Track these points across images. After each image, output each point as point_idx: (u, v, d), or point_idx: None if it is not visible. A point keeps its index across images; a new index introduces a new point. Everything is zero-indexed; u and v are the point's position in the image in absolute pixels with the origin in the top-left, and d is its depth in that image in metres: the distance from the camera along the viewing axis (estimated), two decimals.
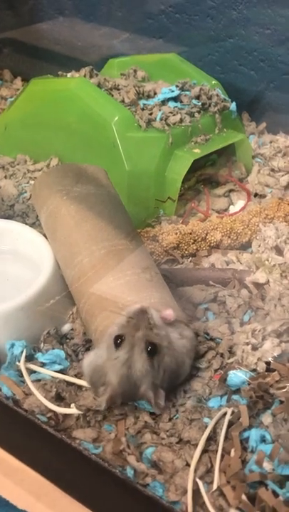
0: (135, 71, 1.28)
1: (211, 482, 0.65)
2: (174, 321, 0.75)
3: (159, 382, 0.71)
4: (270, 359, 0.74)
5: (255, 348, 0.76)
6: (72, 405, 0.72)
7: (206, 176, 1.21)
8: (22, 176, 1.16)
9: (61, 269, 0.84)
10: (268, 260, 0.88)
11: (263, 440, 0.66)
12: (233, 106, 1.18)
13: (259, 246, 0.93)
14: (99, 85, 1.17)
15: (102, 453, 0.69)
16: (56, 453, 0.72)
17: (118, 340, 0.69)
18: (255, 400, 0.70)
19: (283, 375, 0.73)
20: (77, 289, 0.80)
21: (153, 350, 0.70)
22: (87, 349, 0.82)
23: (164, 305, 0.74)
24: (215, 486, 0.64)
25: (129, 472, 0.67)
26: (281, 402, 0.71)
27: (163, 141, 1.06)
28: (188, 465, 0.67)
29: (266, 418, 0.69)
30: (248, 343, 0.76)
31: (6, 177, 1.16)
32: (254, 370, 0.75)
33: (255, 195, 1.19)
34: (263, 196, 1.18)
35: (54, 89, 1.14)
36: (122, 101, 1.12)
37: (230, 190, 1.19)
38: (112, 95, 1.15)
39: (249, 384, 0.73)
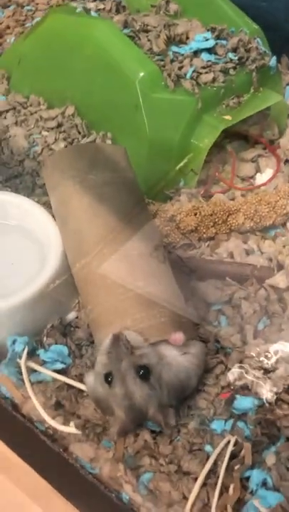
0: (167, 2, 1.13)
1: None
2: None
3: (165, 400, 0.68)
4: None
5: (266, 373, 0.72)
6: (72, 424, 0.70)
7: (234, 131, 1.11)
8: (34, 123, 1.06)
9: (69, 261, 0.78)
10: None
11: (264, 484, 0.65)
12: (273, 61, 1.06)
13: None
14: (126, 24, 1.04)
15: (98, 474, 0.68)
16: (53, 462, 0.71)
17: (108, 379, 0.67)
18: (260, 439, 0.67)
19: None
20: (84, 292, 0.75)
21: (145, 372, 0.67)
22: (92, 343, 0.79)
23: (173, 325, 0.70)
24: None
25: (125, 498, 0.66)
26: (287, 439, 0.68)
27: (191, 106, 0.95)
28: (185, 498, 0.66)
29: (270, 458, 0.66)
30: (260, 368, 0.72)
31: (16, 123, 1.07)
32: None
33: (286, 161, 1.10)
34: None
35: (75, 33, 1.01)
36: (150, 49, 1.00)
37: (259, 156, 1.09)
38: (140, 39, 1.02)
39: (256, 413, 0.70)
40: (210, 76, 0.98)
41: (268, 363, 0.73)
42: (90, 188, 0.76)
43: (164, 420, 0.68)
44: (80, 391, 0.75)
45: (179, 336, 0.69)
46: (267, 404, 0.71)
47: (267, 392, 0.71)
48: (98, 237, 0.74)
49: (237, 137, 1.13)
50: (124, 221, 0.75)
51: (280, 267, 0.86)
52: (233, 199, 1.01)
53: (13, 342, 0.77)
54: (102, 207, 0.75)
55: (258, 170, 1.08)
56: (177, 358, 0.69)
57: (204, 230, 0.93)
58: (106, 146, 0.83)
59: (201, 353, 0.73)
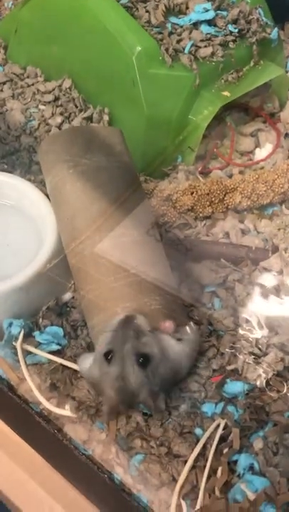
0: None
1: (195, 499, 0.67)
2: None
3: (157, 388, 0.70)
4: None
5: (256, 358, 0.74)
6: (66, 407, 0.72)
7: (234, 103, 1.09)
8: (31, 96, 1.05)
9: (63, 245, 0.79)
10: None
11: (251, 468, 0.67)
12: (274, 33, 1.03)
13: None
14: None
15: (91, 455, 0.70)
16: (48, 442, 0.73)
17: (108, 356, 0.67)
18: (248, 425, 0.69)
19: (281, 395, 0.71)
20: (77, 277, 0.75)
21: (145, 360, 0.68)
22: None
23: (164, 313, 0.71)
24: (198, 507, 0.66)
25: (116, 479, 0.69)
26: (275, 424, 0.70)
27: (189, 82, 0.94)
28: (174, 480, 0.68)
29: (258, 442, 0.68)
30: (250, 353, 0.74)
31: (13, 96, 1.06)
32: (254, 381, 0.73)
33: (286, 135, 1.08)
34: None
35: (71, 4, 0.98)
36: (148, 21, 0.97)
37: (259, 130, 1.08)
38: (138, 9, 0.99)
39: (247, 395, 0.72)
40: (209, 50, 0.96)
41: (259, 348, 0.74)
42: (84, 173, 0.76)
43: (154, 405, 0.69)
44: (75, 372, 0.77)
45: (168, 324, 0.70)
46: (257, 389, 0.72)
47: (257, 376, 0.72)
48: (91, 224, 0.74)
49: (237, 109, 1.12)
50: (118, 207, 0.75)
51: (276, 248, 0.86)
52: (231, 176, 1.01)
53: (10, 325, 0.78)
54: (95, 192, 0.75)
55: (257, 145, 1.07)
56: (174, 348, 0.70)
57: (201, 209, 0.92)
58: (101, 129, 0.82)
59: (194, 340, 0.74)
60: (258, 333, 0.77)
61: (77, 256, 0.74)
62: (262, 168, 1.02)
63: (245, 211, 0.96)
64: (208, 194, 0.92)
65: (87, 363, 0.71)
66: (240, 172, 1.01)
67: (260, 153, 1.06)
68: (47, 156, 0.80)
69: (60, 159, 0.77)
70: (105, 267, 0.72)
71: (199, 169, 1.00)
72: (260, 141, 1.07)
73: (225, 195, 0.93)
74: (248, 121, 1.10)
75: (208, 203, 0.92)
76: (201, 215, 0.93)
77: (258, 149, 1.06)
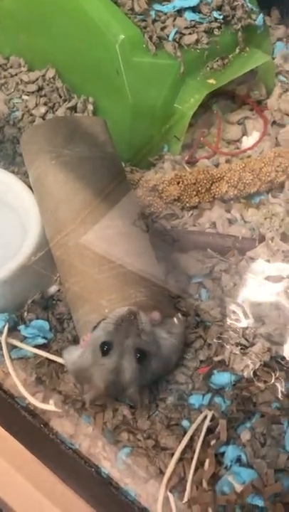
0: None
1: (183, 491, 0.66)
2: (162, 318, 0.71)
3: (145, 383, 0.69)
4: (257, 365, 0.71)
5: (243, 349, 0.73)
6: (51, 402, 0.71)
7: (220, 91, 1.08)
8: (14, 87, 1.03)
9: (47, 237, 0.78)
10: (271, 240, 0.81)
11: (238, 460, 0.66)
12: (260, 19, 1.02)
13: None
14: None
15: (78, 449, 0.70)
16: (35, 436, 0.73)
17: (104, 347, 0.66)
18: (236, 416, 0.68)
19: (268, 386, 0.71)
20: (61, 270, 0.75)
21: (142, 357, 0.67)
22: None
23: (150, 304, 0.70)
24: (185, 499, 0.65)
25: (103, 473, 0.68)
26: (262, 415, 0.69)
27: (174, 70, 0.93)
28: (161, 472, 0.68)
29: (245, 434, 0.68)
30: (237, 344, 0.73)
31: None
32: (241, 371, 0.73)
33: (273, 123, 1.07)
34: (281, 126, 1.07)
35: None
36: (131, 9, 0.96)
37: (246, 118, 1.07)
38: None
39: (234, 386, 0.71)
40: (193, 37, 0.94)
41: (246, 339, 0.74)
42: (67, 164, 0.75)
43: (140, 400, 0.69)
44: (61, 366, 0.76)
45: (154, 316, 0.69)
46: (244, 380, 0.71)
47: (244, 367, 0.72)
48: (74, 216, 0.73)
49: (224, 97, 1.11)
50: (102, 198, 0.74)
51: (262, 238, 0.85)
52: (218, 165, 1.00)
53: None
54: (78, 183, 0.74)
55: (244, 133, 1.06)
56: (166, 344, 0.70)
57: (187, 199, 0.92)
58: (84, 119, 0.80)
59: (181, 332, 0.73)
60: (245, 324, 0.76)
61: (62, 248, 0.73)
62: (249, 156, 1.01)
63: (232, 200, 0.95)
64: (194, 184, 0.91)
65: (73, 354, 0.70)
66: (228, 161, 1.00)
67: (247, 142, 1.05)
68: (29, 147, 0.78)
69: (42, 150, 0.76)
70: (90, 258, 0.71)
71: (186, 159, 0.99)
72: (247, 129, 1.06)
73: (211, 185, 0.92)
74: (234, 109, 1.09)
75: (194, 192, 0.91)
76: (187, 205, 0.92)
77: (245, 137, 1.05)
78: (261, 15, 1.02)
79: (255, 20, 1.01)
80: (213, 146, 1.02)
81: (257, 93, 1.10)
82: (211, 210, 0.92)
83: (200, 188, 0.92)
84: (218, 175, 0.93)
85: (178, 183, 0.91)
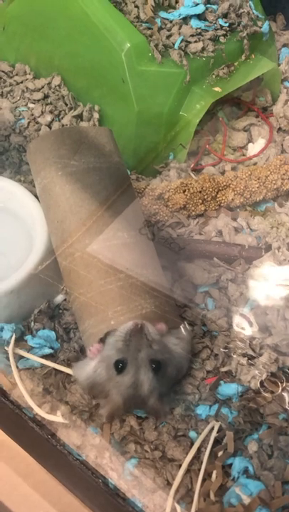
0: None
1: (190, 503, 0.66)
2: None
3: (164, 391, 0.70)
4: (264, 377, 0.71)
5: (251, 359, 0.73)
6: (59, 413, 0.72)
7: (226, 97, 1.08)
8: (20, 95, 1.03)
9: (53, 248, 0.78)
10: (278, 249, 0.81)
11: (245, 471, 0.66)
12: (265, 26, 1.01)
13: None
14: None
15: (85, 460, 0.70)
16: (42, 446, 0.73)
17: (119, 365, 0.67)
18: (243, 428, 0.68)
19: (275, 397, 0.70)
20: (67, 281, 0.75)
21: (158, 367, 0.67)
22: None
23: (157, 315, 0.70)
24: (193, 511, 0.65)
25: (111, 484, 0.68)
26: (269, 427, 0.69)
27: (179, 79, 0.92)
28: (169, 484, 0.68)
29: (252, 445, 0.68)
30: (244, 355, 0.73)
31: (2, 95, 1.04)
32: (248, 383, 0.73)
33: (279, 129, 1.07)
34: (287, 132, 1.06)
35: (59, 1, 0.96)
36: (137, 17, 0.96)
37: (251, 124, 1.07)
38: (127, 4, 0.98)
39: (241, 397, 0.71)
40: (199, 45, 0.94)
41: (252, 349, 0.74)
42: (73, 175, 0.75)
43: (162, 409, 0.69)
44: (68, 376, 0.76)
45: (160, 327, 0.69)
46: (251, 391, 0.72)
47: (251, 378, 0.72)
48: (81, 227, 0.73)
49: (229, 103, 1.11)
50: (108, 209, 0.73)
51: (269, 247, 0.85)
52: (223, 172, 1.00)
53: (1, 329, 0.77)
54: (85, 194, 0.74)
55: (250, 140, 1.06)
56: (177, 350, 0.70)
57: (193, 208, 0.92)
58: (90, 129, 0.80)
59: (189, 341, 0.74)
60: (252, 334, 0.76)
61: (68, 258, 0.73)
62: (255, 163, 1.01)
63: (238, 208, 0.95)
64: (200, 192, 0.91)
65: (85, 369, 0.70)
66: (233, 168, 1.00)
67: (253, 148, 1.04)
68: (35, 158, 0.78)
69: (48, 161, 0.76)
70: (96, 269, 0.71)
71: (191, 166, 0.99)
72: (253, 136, 1.06)
73: (217, 193, 0.92)
74: (240, 116, 1.09)
75: (200, 200, 0.91)
76: (193, 213, 0.92)
77: (250, 144, 1.05)
78: (267, 22, 1.02)
79: (260, 27, 1.00)
80: (218, 153, 1.02)
81: (262, 100, 1.09)
82: (217, 218, 0.92)
83: (206, 196, 0.91)
84: (224, 183, 0.93)
85: (184, 191, 0.91)
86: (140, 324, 0.67)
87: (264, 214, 0.94)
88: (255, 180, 0.93)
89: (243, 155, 1.05)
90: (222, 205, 0.93)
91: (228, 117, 1.09)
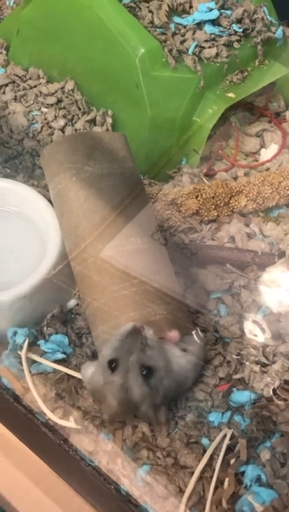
0: None
1: (202, 510, 0.66)
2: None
3: (158, 400, 0.69)
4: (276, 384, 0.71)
5: (263, 367, 0.73)
6: (71, 418, 0.72)
7: (239, 103, 1.08)
8: (33, 99, 1.04)
9: (67, 253, 0.78)
10: None
11: (258, 479, 0.66)
12: (279, 31, 1.01)
13: None
14: None
15: (97, 466, 0.70)
16: (54, 451, 0.73)
17: (112, 365, 0.67)
18: (255, 436, 0.68)
19: (288, 405, 0.70)
20: (80, 286, 0.75)
21: (149, 373, 0.67)
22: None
23: (169, 321, 0.70)
24: None
25: (123, 490, 0.68)
26: (282, 435, 0.69)
27: (193, 84, 0.93)
28: (181, 491, 0.68)
29: (265, 453, 0.68)
30: (257, 362, 0.73)
31: (15, 99, 1.05)
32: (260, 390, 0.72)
33: None
34: None
35: (73, 5, 0.97)
36: (151, 22, 0.96)
37: (264, 130, 1.07)
38: (141, 9, 0.98)
39: (253, 405, 0.71)
40: (213, 51, 0.94)
41: (265, 357, 0.74)
42: (87, 181, 0.75)
43: (154, 417, 0.69)
44: (80, 381, 0.76)
45: (174, 334, 0.69)
46: (263, 399, 0.71)
47: (263, 386, 0.72)
48: (95, 232, 0.73)
49: (242, 108, 1.10)
50: (122, 214, 0.74)
51: (282, 253, 0.85)
52: (236, 177, 0.99)
53: (14, 334, 0.78)
54: (99, 200, 0.74)
55: (262, 145, 1.06)
56: (178, 360, 0.70)
57: (206, 213, 0.91)
58: (104, 135, 0.80)
59: (200, 349, 0.73)
60: (265, 341, 0.76)
61: (81, 264, 0.73)
62: (268, 169, 1.01)
63: (251, 214, 0.95)
64: (213, 197, 0.91)
65: (89, 371, 0.70)
66: (246, 173, 1.00)
67: (266, 154, 1.04)
68: (49, 164, 0.79)
69: (62, 167, 0.76)
70: (109, 275, 0.71)
71: (204, 171, 0.99)
72: (266, 142, 1.06)
73: (230, 199, 0.92)
74: (253, 121, 1.09)
75: (213, 206, 0.91)
76: (206, 218, 0.92)
77: (263, 150, 1.05)
78: (281, 27, 1.02)
79: (274, 33, 1.00)
80: (231, 158, 1.02)
81: (275, 105, 1.09)
82: (229, 223, 0.92)
83: (219, 202, 0.91)
84: (237, 188, 0.93)
85: (196, 196, 0.91)
86: (139, 326, 0.67)
87: (277, 220, 0.94)
88: (268, 186, 0.93)
89: (256, 160, 1.04)
90: (235, 210, 0.93)
91: (240, 122, 1.08)
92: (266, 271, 0.84)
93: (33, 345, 0.79)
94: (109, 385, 0.67)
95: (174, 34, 0.96)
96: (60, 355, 0.78)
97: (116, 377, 0.67)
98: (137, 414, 0.70)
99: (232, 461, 0.68)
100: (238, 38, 0.97)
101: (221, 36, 0.96)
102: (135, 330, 0.67)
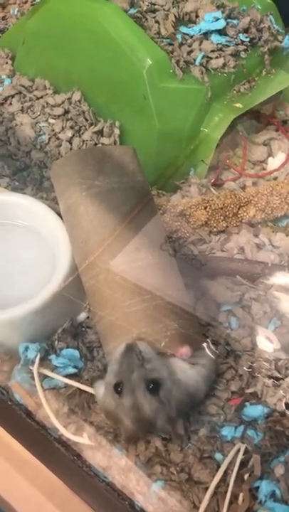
0: None
1: None
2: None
3: (173, 413, 0.69)
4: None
5: (276, 381, 0.73)
6: (84, 434, 0.72)
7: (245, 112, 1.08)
8: (40, 110, 1.04)
9: (77, 267, 0.78)
10: None
11: (272, 495, 0.66)
12: (286, 41, 1.01)
13: None
14: (132, 3, 0.99)
15: (111, 482, 0.70)
16: (67, 467, 0.73)
17: (118, 388, 0.67)
18: (269, 451, 0.68)
19: None
20: (91, 302, 0.75)
21: (155, 386, 0.67)
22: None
23: (181, 336, 0.70)
24: None
25: (137, 506, 0.68)
26: None
27: (201, 95, 0.93)
28: (195, 507, 0.68)
29: (279, 468, 0.68)
30: (269, 377, 0.73)
31: (22, 110, 1.04)
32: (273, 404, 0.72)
33: None
34: None
35: (79, 16, 0.97)
36: (158, 33, 0.96)
37: (271, 138, 1.07)
38: (147, 20, 0.98)
39: (266, 419, 0.71)
40: (220, 61, 0.94)
41: (278, 371, 0.73)
42: (97, 196, 0.75)
43: (173, 431, 0.69)
44: (92, 396, 0.76)
45: (185, 350, 0.70)
46: (276, 413, 0.71)
47: (277, 400, 0.72)
48: (105, 247, 0.73)
49: (249, 117, 1.10)
50: (131, 229, 0.74)
51: None
52: (244, 187, 0.99)
53: (26, 349, 0.77)
54: (109, 215, 0.74)
55: (270, 154, 1.06)
56: (187, 371, 0.70)
57: (215, 224, 0.91)
58: (113, 149, 0.80)
59: (211, 362, 0.73)
60: (277, 354, 0.76)
61: (92, 279, 0.73)
62: (275, 178, 1.01)
63: (259, 224, 0.95)
64: (221, 208, 0.91)
65: (101, 392, 0.70)
66: (254, 183, 1.00)
67: (273, 163, 1.04)
68: (59, 178, 0.79)
69: (72, 182, 0.76)
70: (120, 291, 0.71)
71: (212, 181, 0.99)
72: (273, 150, 1.06)
73: (239, 209, 0.92)
74: (260, 130, 1.09)
75: (222, 217, 0.91)
76: (215, 229, 0.92)
77: (270, 158, 1.05)
78: (287, 36, 1.02)
79: (281, 41, 1.00)
80: (238, 168, 1.02)
81: (282, 113, 1.09)
82: (238, 234, 0.92)
83: (227, 213, 0.91)
84: (246, 199, 0.92)
85: (205, 207, 0.91)
86: (131, 343, 0.67)
87: (285, 230, 0.94)
88: (277, 196, 0.93)
89: (263, 169, 1.04)
90: (243, 221, 0.93)
91: (247, 131, 1.08)
92: (277, 282, 0.83)
93: (44, 360, 0.79)
94: (120, 407, 0.68)
95: (180, 44, 0.95)
96: (71, 370, 0.78)
97: (125, 400, 0.67)
98: (155, 430, 0.70)
99: (246, 476, 0.68)
100: (245, 47, 0.97)
101: (227, 46, 0.96)
102: (128, 348, 0.67)
